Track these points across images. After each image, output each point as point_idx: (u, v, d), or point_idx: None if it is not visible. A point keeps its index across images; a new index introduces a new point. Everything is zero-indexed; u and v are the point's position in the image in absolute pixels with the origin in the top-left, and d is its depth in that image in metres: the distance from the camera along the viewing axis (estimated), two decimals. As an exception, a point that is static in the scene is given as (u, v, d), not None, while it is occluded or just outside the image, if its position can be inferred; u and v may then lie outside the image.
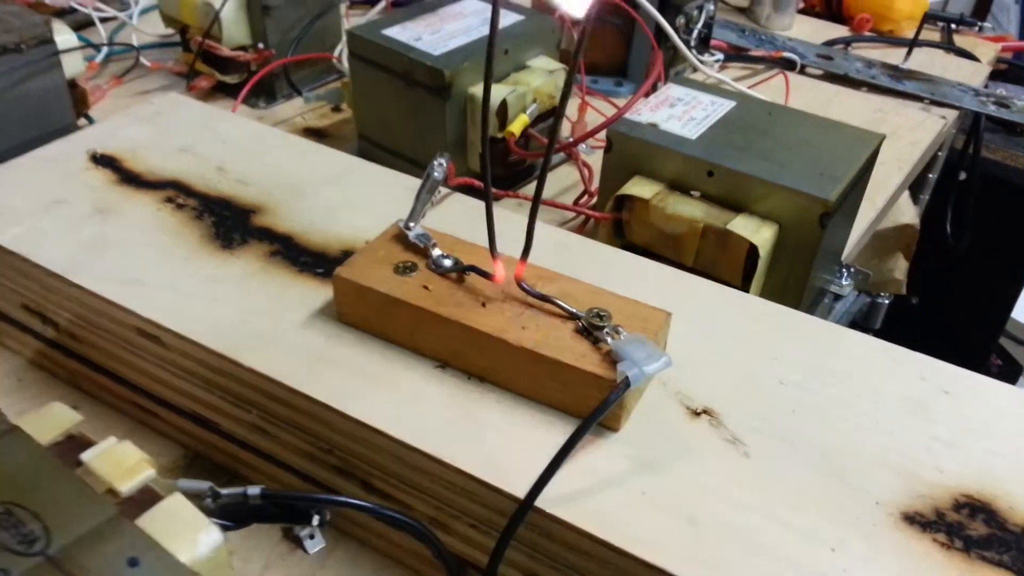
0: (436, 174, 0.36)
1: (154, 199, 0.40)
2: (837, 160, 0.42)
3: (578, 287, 0.33)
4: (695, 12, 0.69)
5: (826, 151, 0.43)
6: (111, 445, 0.24)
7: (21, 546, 0.19)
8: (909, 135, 0.68)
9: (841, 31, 0.90)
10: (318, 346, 0.33)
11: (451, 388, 0.31)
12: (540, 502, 0.27)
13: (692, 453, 0.30)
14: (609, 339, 0.30)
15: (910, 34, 0.85)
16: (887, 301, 0.75)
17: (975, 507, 0.29)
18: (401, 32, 0.52)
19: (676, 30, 0.69)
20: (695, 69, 0.68)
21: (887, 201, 0.60)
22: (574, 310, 0.31)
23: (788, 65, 0.77)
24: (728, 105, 0.46)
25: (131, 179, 0.42)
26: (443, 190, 0.39)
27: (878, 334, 1.28)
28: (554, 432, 0.30)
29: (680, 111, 0.45)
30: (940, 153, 0.78)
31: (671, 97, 0.46)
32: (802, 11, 0.96)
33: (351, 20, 0.70)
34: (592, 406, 0.28)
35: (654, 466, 0.29)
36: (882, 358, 0.35)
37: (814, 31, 0.89)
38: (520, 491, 0.27)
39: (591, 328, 0.30)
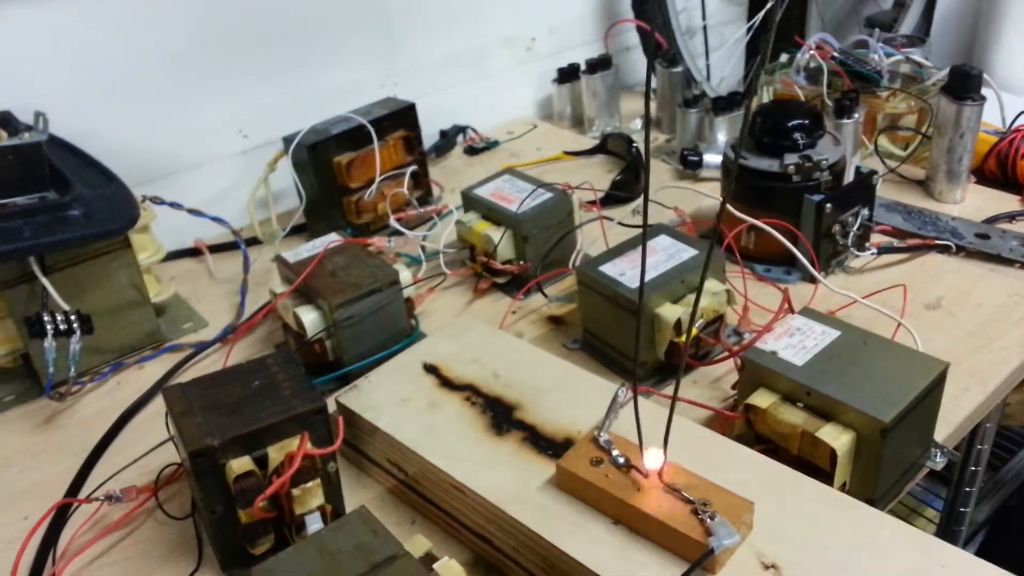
0: (620, 398, 0.61)
1: (459, 397, 0.69)
2: (900, 387, 0.61)
3: (698, 482, 0.55)
4: (850, 219, 0.88)
5: (895, 378, 0.61)
6: (447, 562, 0.51)
7: (417, 609, 0.46)
8: (1039, 319, 0.81)
9: (1014, 201, 1.03)
10: (546, 504, 0.58)
11: (618, 536, 0.55)
12: (661, 611, 0.50)
13: (756, 591, 0.51)
14: (709, 520, 0.52)
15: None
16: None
17: (930, 643, 0.47)
18: (611, 268, 0.78)
19: (834, 234, 0.89)
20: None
21: (998, 387, 0.75)
22: (692, 498, 0.54)
23: (943, 249, 0.93)
24: (834, 335, 0.66)
25: (446, 383, 0.70)
26: (625, 399, 0.63)
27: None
28: (677, 571, 0.52)
29: (796, 340, 0.66)
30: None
31: (792, 327, 0.67)
32: (981, 178, 1.09)
33: (584, 232, 0.97)
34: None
35: (731, 596, 0.51)
36: (897, 537, 0.53)
37: (985, 203, 1.03)
38: (650, 603, 0.50)
39: (700, 512, 0.53)
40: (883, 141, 1.15)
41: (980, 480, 0.98)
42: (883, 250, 0.92)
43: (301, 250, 0.84)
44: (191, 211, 0.95)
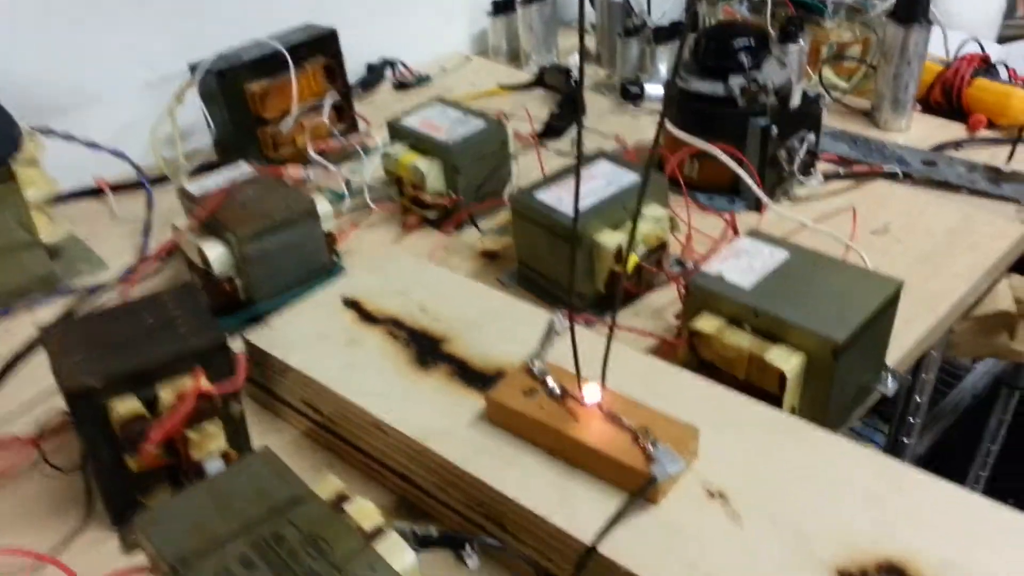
0: (555, 327, 0.55)
1: (380, 331, 0.63)
2: (853, 306, 0.57)
3: (639, 409, 0.50)
4: (796, 144, 0.84)
5: (846, 298, 0.57)
6: (360, 502, 0.45)
7: (321, 556, 0.40)
8: (988, 244, 0.78)
9: (960, 130, 1.00)
10: (475, 439, 0.53)
11: (554, 470, 0.50)
12: (600, 547, 0.45)
13: (704, 522, 0.47)
14: (651, 448, 0.47)
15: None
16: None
17: (891, 569, 0.43)
18: (547, 195, 0.72)
19: (780, 160, 0.84)
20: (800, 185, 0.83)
21: (949, 310, 0.72)
22: (632, 426, 0.49)
23: (890, 175, 0.89)
24: (783, 256, 0.62)
25: (367, 317, 0.64)
26: (563, 330, 0.58)
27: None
28: (616, 501, 0.48)
29: (744, 262, 0.62)
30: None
31: (738, 249, 0.63)
32: (927, 108, 1.06)
33: (519, 159, 0.91)
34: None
35: (676, 529, 0.46)
36: (858, 459, 0.49)
37: (931, 132, 1.00)
38: (589, 539, 0.46)
39: (641, 439, 0.48)
40: (827, 73, 1.11)
41: (924, 412, 0.96)
42: (829, 177, 0.88)
43: (207, 181, 0.76)
44: (88, 144, 0.86)
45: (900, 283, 0.59)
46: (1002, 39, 1.55)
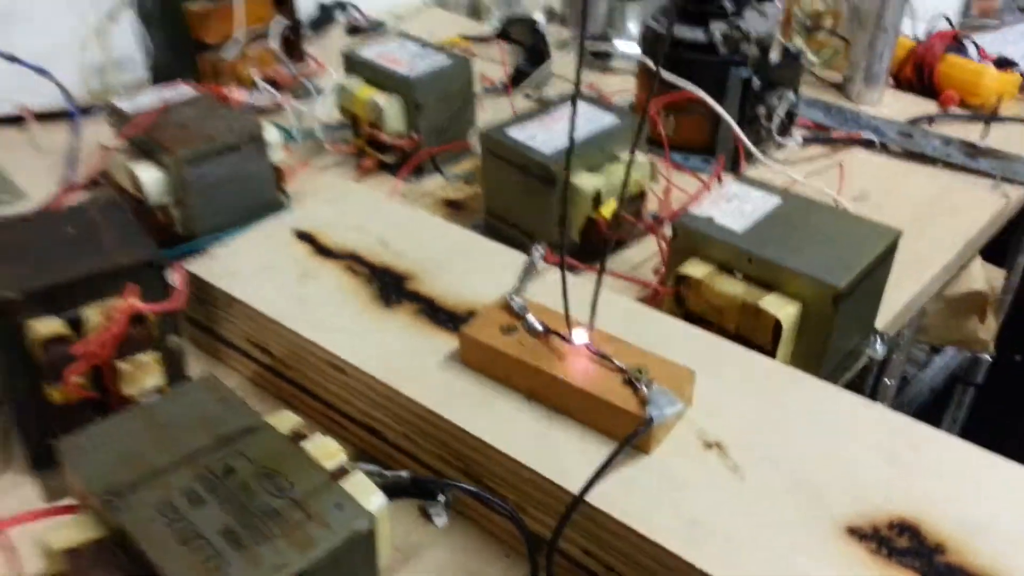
0: (535, 260, 0.50)
1: (338, 267, 0.57)
2: (853, 252, 0.53)
3: (630, 349, 0.46)
4: (775, 101, 0.81)
5: (846, 245, 0.54)
6: (320, 439, 0.39)
7: (279, 492, 0.35)
8: (968, 213, 0.77)
9: (931, 106, 0.98)
10: (448, 381, 0.47)
11: (535, 414, 0.45)
12: (588, 497, 0.40)
13: (701, 473, 0.42)
14: (644, 388, 0.43)
15: (1003, 110, 0.92)
16: (988, 358, 0.82)
17: (903, 527, 0.40)
18: (520, 132, 0.67)
19: (759, 116, 0.81)
20: (778, 147, 0.79)
21: (934, 276, 0.69)
22: (623, 366, 0.44)
23: (867, 144, 0.87)
24: (774, 201, 0.58)
25: (322, 251, 0.58)
26: (543, 266, 0.53)
27: (980, 389, 1.33)
28: (604, 450, 0.43)
29: (734, 206, 0.57)
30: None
31: (728, 193, 0.59)
32: (897, 85, 1.04)
33: (483, 104, 0.85)
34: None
35: (671, 479, 0.42)
36: (866, 414, 0.46)
37: (903, 107, 0.98)
38: (576, 488, 0.41)
39: (633, 380, 0.43)
40: (799, 44, 1.08)
41: (892, 396, 0.94)
42: (809, 140, 0.85)
43: (141, 99, 0.68)
44: (7, 56, 0.77)
45: (899, 232, 0.56)
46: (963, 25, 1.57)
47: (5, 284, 0.44)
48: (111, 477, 0.35)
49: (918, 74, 1.02)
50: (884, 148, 0.87)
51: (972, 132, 0.92)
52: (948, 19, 1.08)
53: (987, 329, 0.93)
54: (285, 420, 0.40)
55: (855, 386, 0.95)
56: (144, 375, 0.47)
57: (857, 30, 0.96)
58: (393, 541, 0.43)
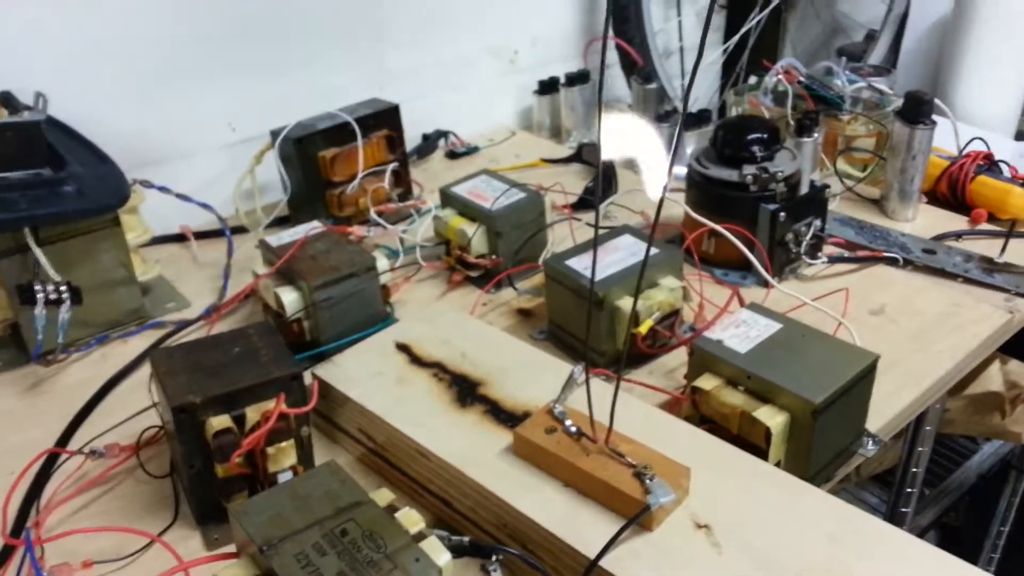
0: (575, 376, 0.65)
1: (427, 373, 0.73)
2: (833, 373, 0.66)
3: (641, 449, 0.60)
4: (803, 228, 0.94)
5: (828, 366, 0.67)
6: (407, 511, 0.55)
7: (377, 549, 0.50)
8: (973, 328, 0.87)
9: (962, 222, 1.09)
10: (503, 468, 0.63)
11: (567, 496, 0.60)
12: (602, 562, 0.55)
13: (689, 548, 0.56)
14: (648, 481, 0.57)
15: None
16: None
17: (842, 595, 0.52)
18: (576, 263, 0.83)
19: (787, 242, 0.94)
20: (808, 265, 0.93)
21: (932, 385, 0.80)
22: (635, 463, 0.59)
23: (891, 261, 0.99)
24: (776, 328, 0.71)
25: (416, 360, 0.75)
26: (581, 381, 0.68)
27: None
28: (616, 526, 0.57)
29: (742, 331, 0.71)
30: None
31: (738, 320, 0.73)
32: (934, 200, 1.15)
33: (555, 229, 1.02)
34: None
35: (665, 551, 0.56)
36: (820, 505, 0.58)
37: (934, 222, 1.09)
38: (593, 554, 0.55)
39: (640, 475, 0.58)
40: (842, 163, 1.21)
41: (920, 482, 1.03)
42: (834, 260, 0.97)
43: (284, 235, 0.89)
44: (179, 196, 0.99)
45: (876, 356, 0.68)
46: (1020, 135, 1.64)
47: (193, 391, 0.62)
48: (265, 533, 0.52)
49: (952, 191, 1.13)
50: (908, 263, 0.99)
51: (997, 247, 1.02)
52: (984, 140, 1.18)
53: (1016, 421, 1.01)
54: (383, 496, 0.57)
55: (891, 472, 1.05)
56: (284, 457, 0.64)
57: (890, 155, 1.09)
58: (458, 589, 0.58)
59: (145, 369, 0.82)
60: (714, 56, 1.52)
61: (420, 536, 0.53)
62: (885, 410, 0.76)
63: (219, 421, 0.62)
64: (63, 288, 0.82)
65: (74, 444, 0.75)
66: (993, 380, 0.94)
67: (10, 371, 0.86)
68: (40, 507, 0.68)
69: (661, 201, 0.54)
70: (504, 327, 0.91)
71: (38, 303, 0.80)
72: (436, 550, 0.52)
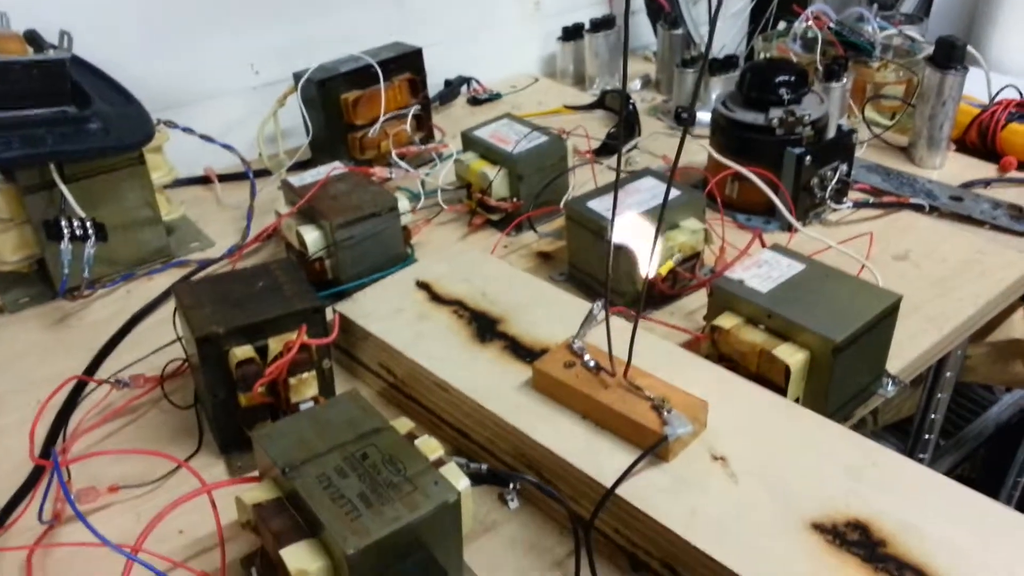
0: (595, 313, 0.65)
1: (447, 310, 0.74)
2: (854, 313, 0.65)
3: (659, 383, 0.60)
4: (829, 172, 0.93)
5: (849, 306, 0.66)
6: (426, 438, 0.56)
7: (397, 472, 0.51)
8: (998, 273, 0.86)
9: (992, 170, 1.07)
10: (522, 401, 0.63)
11: (585, 429, 0.60)
12: (619, 490, 0.55)
13: (705, 478, 0.56)
14: (665, 413, 0.57)
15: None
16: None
17: (856, 526, 0.52)
18: (598, 204, 0.83)
19: (812, 187, 0.93)
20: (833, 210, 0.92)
21: (954, 329, 0.80)
22: (652, 396, 0.59)
23: (917, 207, 0.97)
24: (798, 268, 0.71)
25: (436, 298, 0.75)
26: (600, 317, 0.68)
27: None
28: (633, 456, 0.57)
29: (764, 271, 0.71)
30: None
31: (760, 260, 0.72)
32: (963, 148, 1.13)
33: (576, 173, 1.02)
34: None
35: (681, 481, 0.56)
36: (839, 439, 0.58)
37: (963, 170, 1.07)
38: (609, 483, 0.56)
39: (658, 407, 0.58)
40: (870, 110, 1.19)
41: (938, 429, 1.03)
42: (859, 204, 0.96)
43: (306, 176, 0.89)
44: (203, 137, 1.00)
45: (899, 296, 0.68)
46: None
47: (217, 322, 0.63)
48: (287, 456, 0.52)
49: (981, 139, 1.11)
50: (935, 210, 0.97)
51: (1025, 197, 1.00)
52: (1017, 88, 1.15)
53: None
54: (403, 424, 0.57)
55: (909, 421, 1.05)
56: (306, 388, 0.65)
57: (919, 101, 1.07)
58: (476, 516, 0.59)
59: (169, 305, 0.83)
60: (743, 2, 1.49)
61: (439, 462, 0.54)
62: (906, 352, 0.76)
63: (242, 351, 0.63)
64: (88, 224, 0.83)
65: (102, 373, 0.77)
66: (1016, 328, 0.93)
67: (37, 306, 0.88)
68: (67, 434, 0.70)
69: (683, 139, 0.54)
70: (524, 269, 0.90)
71: (64, 238, 0.81)
72: (455, 475, 0.53)
